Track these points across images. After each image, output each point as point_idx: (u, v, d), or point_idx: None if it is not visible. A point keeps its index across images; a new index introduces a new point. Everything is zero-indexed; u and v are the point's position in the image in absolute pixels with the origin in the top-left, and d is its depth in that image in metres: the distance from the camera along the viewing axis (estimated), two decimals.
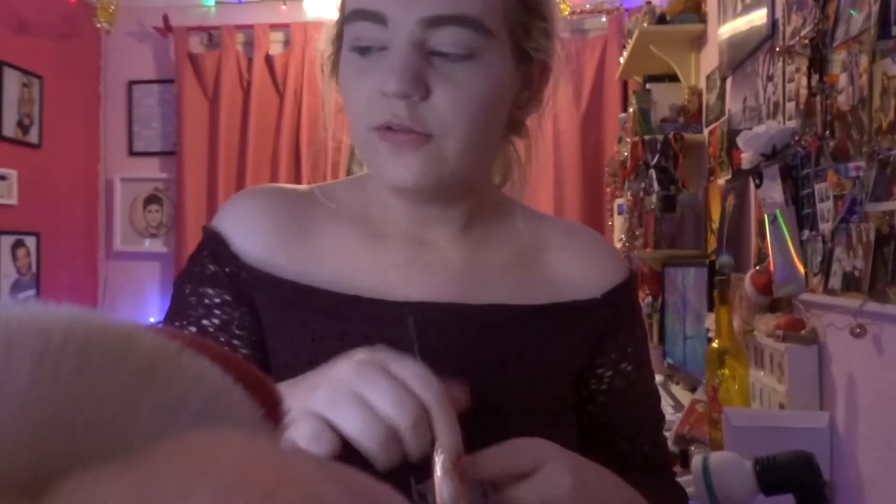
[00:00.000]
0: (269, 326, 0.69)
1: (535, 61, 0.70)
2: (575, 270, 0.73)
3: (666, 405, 2.11)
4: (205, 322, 0.69)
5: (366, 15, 0.62)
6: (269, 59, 3.71)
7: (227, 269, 0.69)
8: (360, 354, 0.52)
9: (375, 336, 0.65)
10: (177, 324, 0.69)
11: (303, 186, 0.77)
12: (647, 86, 2.85)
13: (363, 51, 0.63)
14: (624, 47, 3.06)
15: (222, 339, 0.68)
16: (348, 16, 0.64)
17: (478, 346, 0.67)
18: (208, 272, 0.70)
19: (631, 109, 2.81)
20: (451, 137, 0.63)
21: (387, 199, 0.70)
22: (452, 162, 0.63)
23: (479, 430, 0.64)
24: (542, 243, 0.75)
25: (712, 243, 2.30)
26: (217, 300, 0.69)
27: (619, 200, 2.97)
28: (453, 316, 0.67)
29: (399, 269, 0.69)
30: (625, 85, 3.41)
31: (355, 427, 0.48)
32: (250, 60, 3.73)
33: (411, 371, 0.50)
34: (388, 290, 0.67)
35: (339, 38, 0.69)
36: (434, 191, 0.66)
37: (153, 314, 3.81)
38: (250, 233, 0.70)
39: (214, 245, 0.70)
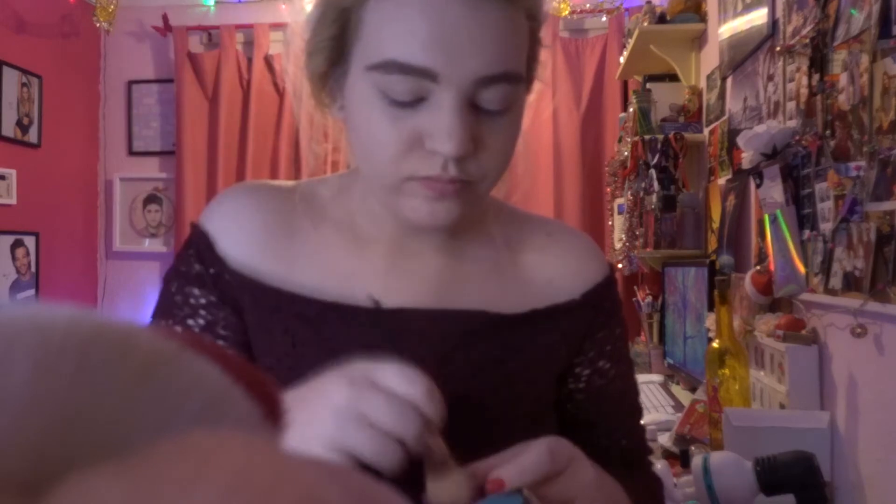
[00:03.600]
0: (252, 329, 0.69)
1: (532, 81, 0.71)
2: (555, 272, 0.74)
3: (666, 405, 2.11)
4: (190, 322, 0.69)
5: (411, 70, 0.57)
6: (268, 59, 3.71)
7: (211, 271, 0.69)
8: (346, 373, 0.53)
9: (355, 343, 0.65)
10: (163, 322, 0.70)
11: (289, 183, 0.76)
12: (648, 85, 2.85)
13: (400, 103, 0.59)
14: (624, 47, 3.06)
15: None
16: (382, 65, 0.59)
17: (458, 352, 0.67)
18: (194, 272, 0.70)
19: (631, 109, 2.81)
20: (487, 181, 0.64)
21: (373, 208, 0.70)
22: (482, 199, 0.66)
23: (460, 433, 0.65)
24: (522, 245, 0.75)
25: (712, 243, 2.30)
26: (203, 300, 0.69)
27: (619, 200, 2.97)
28: (433, 322, 0.67)
29: (381, 276, 0.70)
30: (625, 84, 3.41)
31: (373, 451, 0.49)
32: (250, 60, 3.73)
33: (396, 375, 0.52)
34: (368, 297, 0.68)
35: (330, 62, 0.64)
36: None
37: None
38: (237, 233, 0.70)
39: (201, 245, 0.70)
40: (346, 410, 0.50)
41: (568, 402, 0.76)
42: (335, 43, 0.63)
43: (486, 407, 0.67)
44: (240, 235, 0.70)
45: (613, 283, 0.78)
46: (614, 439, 0.77)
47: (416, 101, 0.59)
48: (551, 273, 0.74)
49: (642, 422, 0.82)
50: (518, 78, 0.61)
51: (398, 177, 0.62)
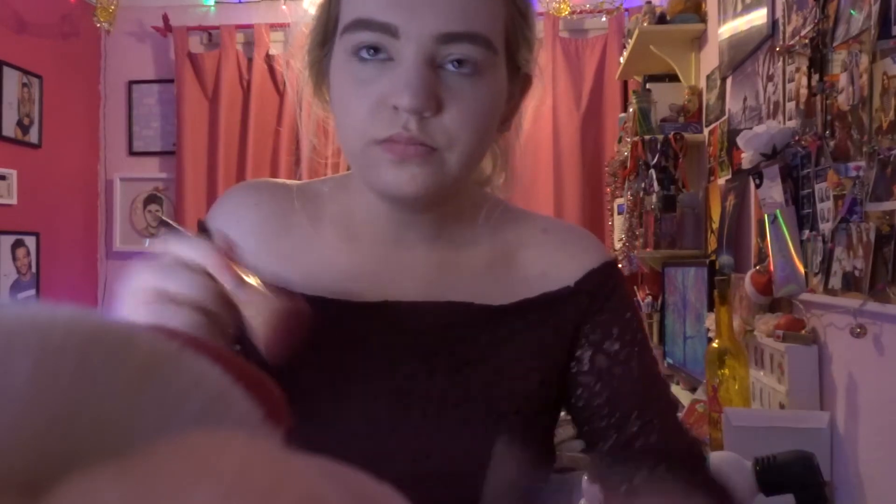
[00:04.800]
0: None
1: (521, 74, 0.70)
2: (549, 265, 0.73)
3: None
4: None
5: (374, 26, 0.60)
6: (269, 59, 3.71)
7: None
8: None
9: (337, 337, 0.66)
10: None
11: (291, 182, 0.78)
12: (647, 85, 2.85)
13: (365, 60, 0.62)
14: (624, 47, 3.06)
15: None
16: (350, 25, 0.62)
17: (442, 346, 0.67)
18: None
19: (631, 109, 2.81)
20: (455, 150, 0.63)
21: (368, 202, 0.70)
22: (454, 172, 0.64)
23: (442, 427, 0.65)
24: (517, 242, 0.74)
25: (712, 243, 2.30)
26: None
27: (619, 200, 2.97)
28: (417, 315, 0.67)
29: (371, 271, 0.70)
30: (625, 85, 3.41)
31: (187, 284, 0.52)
32: (250, 60, 3.73)
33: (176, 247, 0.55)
34: (358, 292, 0.68)
35: (321, 45, 0.68)
36: (431, 198, 0.66)
37: None
38: (235, 229, 0.70)
39: None
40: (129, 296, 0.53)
41: (576, 388, 0.72)
42: (324, 28, 0.67)
43: (472, 404, 0.66)
44: (237, 231, 0.70)
45: (614, 269, 0.75)
46: (646, 421, 0.70)
47: (382, 63, 0.61)
48: (545, 265, 0.73)
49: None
50: (486, 42, 0.62)
51: (364, 141, 0.62)
